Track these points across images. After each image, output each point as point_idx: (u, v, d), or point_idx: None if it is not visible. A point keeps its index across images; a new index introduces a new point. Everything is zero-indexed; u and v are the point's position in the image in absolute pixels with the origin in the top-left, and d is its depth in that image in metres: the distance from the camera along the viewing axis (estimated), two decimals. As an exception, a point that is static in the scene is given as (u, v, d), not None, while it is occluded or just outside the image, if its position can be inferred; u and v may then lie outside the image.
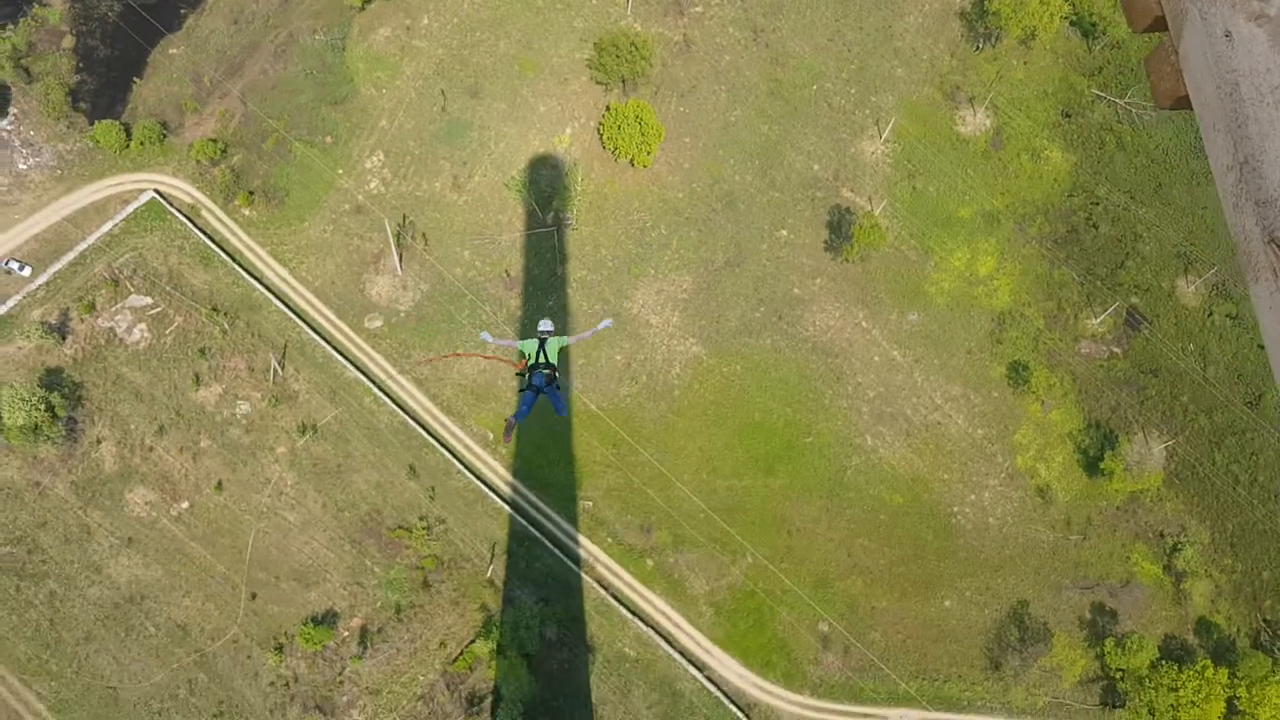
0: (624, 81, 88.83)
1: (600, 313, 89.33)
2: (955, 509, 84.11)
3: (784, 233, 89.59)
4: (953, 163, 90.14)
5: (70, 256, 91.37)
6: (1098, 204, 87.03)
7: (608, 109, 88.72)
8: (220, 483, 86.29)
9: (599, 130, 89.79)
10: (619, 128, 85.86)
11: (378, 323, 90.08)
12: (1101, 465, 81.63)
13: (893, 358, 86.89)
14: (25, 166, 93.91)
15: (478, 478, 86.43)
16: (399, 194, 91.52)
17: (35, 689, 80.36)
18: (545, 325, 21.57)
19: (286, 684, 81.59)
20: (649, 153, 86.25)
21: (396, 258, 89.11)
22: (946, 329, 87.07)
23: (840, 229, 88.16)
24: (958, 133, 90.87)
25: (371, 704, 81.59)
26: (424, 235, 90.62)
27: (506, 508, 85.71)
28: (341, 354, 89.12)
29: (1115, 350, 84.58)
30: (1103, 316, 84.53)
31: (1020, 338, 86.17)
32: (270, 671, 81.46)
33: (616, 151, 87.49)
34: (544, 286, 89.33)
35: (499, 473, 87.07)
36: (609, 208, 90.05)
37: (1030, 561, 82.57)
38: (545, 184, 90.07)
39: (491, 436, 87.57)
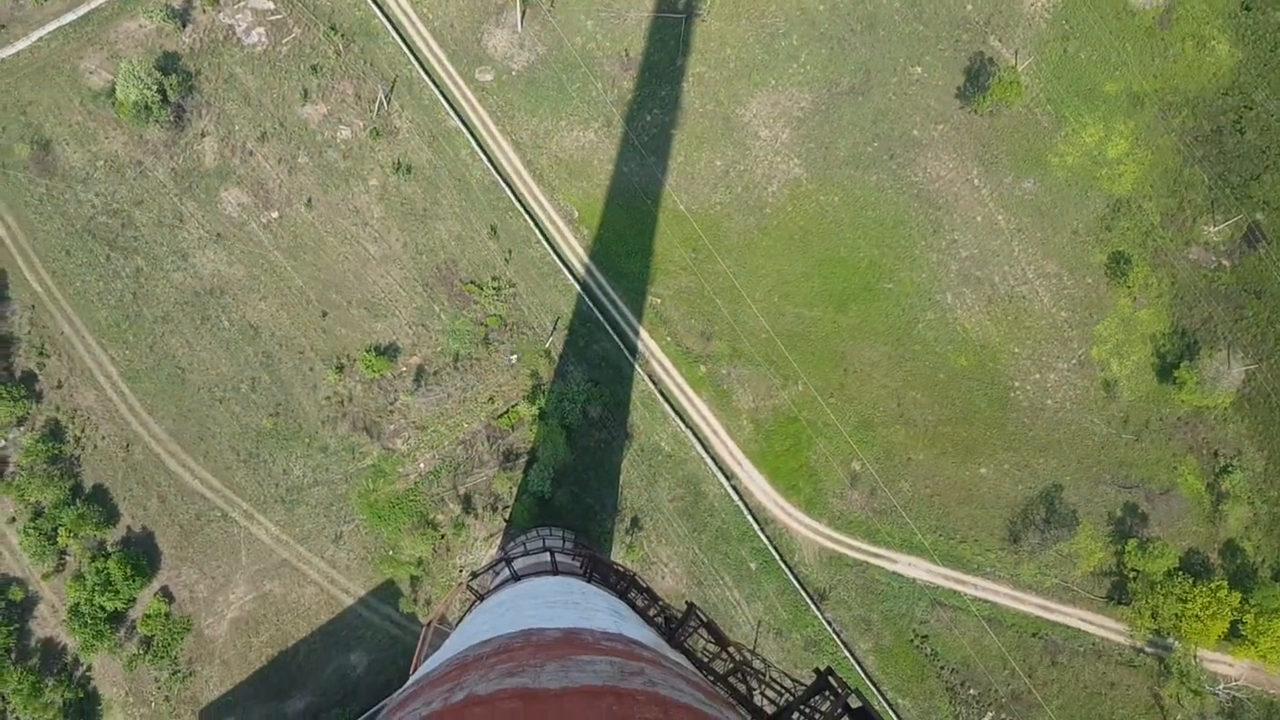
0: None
1: (711, 113, 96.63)
2: (1016, 384, 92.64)
3: (918, 70, 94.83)
4: (1113, 33, 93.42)
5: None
6: (1251, 108, 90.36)
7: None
8: (310, 200, 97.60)
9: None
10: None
11: (488, 76, 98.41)
12: (1176, 373, 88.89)
13: (995, 221, 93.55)
14: None
15: (555, 251, 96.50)
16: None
17: (110, 353, 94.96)
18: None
19: (341, 402, 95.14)
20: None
21: (520, 13, 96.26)
22: (1058, 204, 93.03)
23: (977, 78, 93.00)
24: (1127, 2, 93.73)
25: (415, 437, 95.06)
26: (553, 1, 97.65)
27: (576, 286, 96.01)
28: (447, 100, 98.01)
29: (1224, 262, 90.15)
30: (1222, 226, 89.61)
31: (1131, 229, 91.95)
32: (328, 387, 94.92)
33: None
34: (660, 74, 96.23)
35: (576, 252, 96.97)
36: (745, 5, 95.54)
37: (1077, 449, 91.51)
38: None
39: (577, 214, 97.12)
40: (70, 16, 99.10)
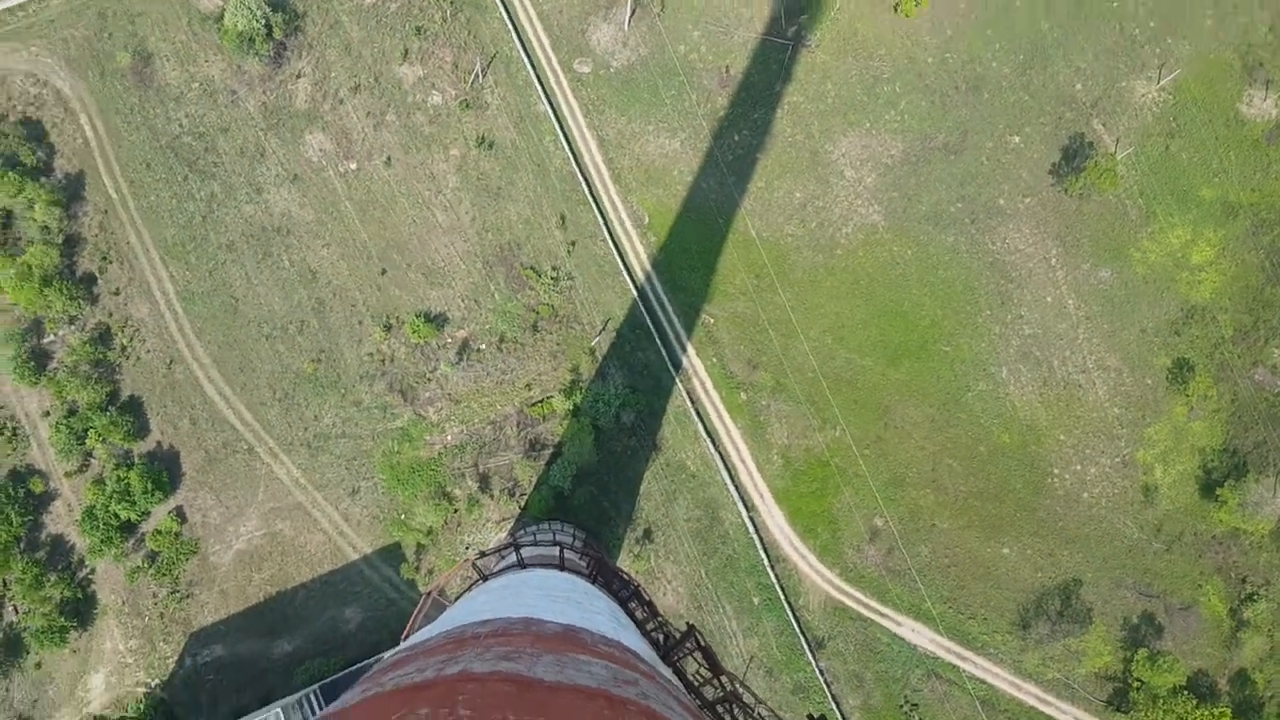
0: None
1: (800, 144, 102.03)
2: (1056, 471, 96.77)
3: (1016, 139, 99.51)
4: (1219, 139, 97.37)
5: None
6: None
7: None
8: (390, 159, 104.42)
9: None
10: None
11: (586, 68, 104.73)
12: (1218, 491, 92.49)
13: (1065, 304, 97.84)
14: None
15: (619, 252, 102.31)
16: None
17: (171, 271, 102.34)
18: None
19: (382, 360, 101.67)
20: (918, 4, 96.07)
21: (629, 12, 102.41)
22: (1132, 299, 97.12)
23: (1074, 158, 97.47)
24: (1238, 110, 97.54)
25: (448, 409, 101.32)
26: (665, 2, 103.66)
27: (633, 291, 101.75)
28: (542, 85, 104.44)
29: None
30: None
31: (1200, 338, 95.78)
32: (373, 344, 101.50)
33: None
34: (756, 97, 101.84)
35: (640, 256, 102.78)
36: (854, 44, 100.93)
37: (1104, 548, 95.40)
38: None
39: (647, 219, 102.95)
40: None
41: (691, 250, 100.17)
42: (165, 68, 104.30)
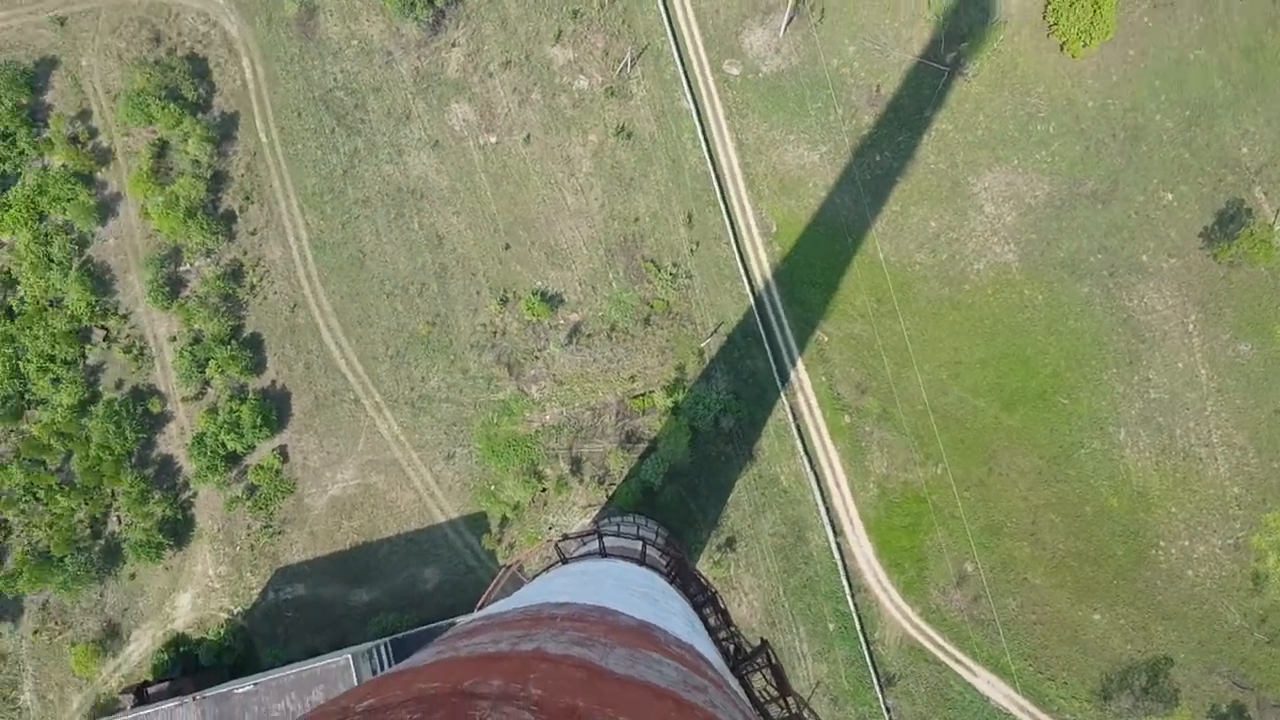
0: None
1: (942, 173, 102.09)
2: (1162, 543, 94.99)
3: (1169, 196, 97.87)
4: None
5: None
6: None
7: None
8: (529, 137, 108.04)
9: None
10: (1071, 6, 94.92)
11: (735, 70, 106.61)
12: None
13: (1197, 373, 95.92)
14: None
15: (741, 257, 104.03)
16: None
17: (307, 218, 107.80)
18: None
19: (494, 333, 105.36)
20: (1085, 45, 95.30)
21: (786, 18, 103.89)
22: (1269, 378, 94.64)
23: (1228, 224, 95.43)
24: None
25: (551, 389, 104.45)
26: (823, 10, 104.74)
27: (751, 298, 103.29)
28: (688, 81, 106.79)
29: None
30: None
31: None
32: (488, 315, 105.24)
33: (1054, 27, 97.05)
34: (904, 119, 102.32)
35: (762, 264, 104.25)
36: (1013, 78, 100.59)
37: (1201, 630, 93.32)
38: (965, 22, 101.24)
39: (775, 228, 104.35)
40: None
41: (815, 265, 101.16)
42: (328, 22, 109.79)
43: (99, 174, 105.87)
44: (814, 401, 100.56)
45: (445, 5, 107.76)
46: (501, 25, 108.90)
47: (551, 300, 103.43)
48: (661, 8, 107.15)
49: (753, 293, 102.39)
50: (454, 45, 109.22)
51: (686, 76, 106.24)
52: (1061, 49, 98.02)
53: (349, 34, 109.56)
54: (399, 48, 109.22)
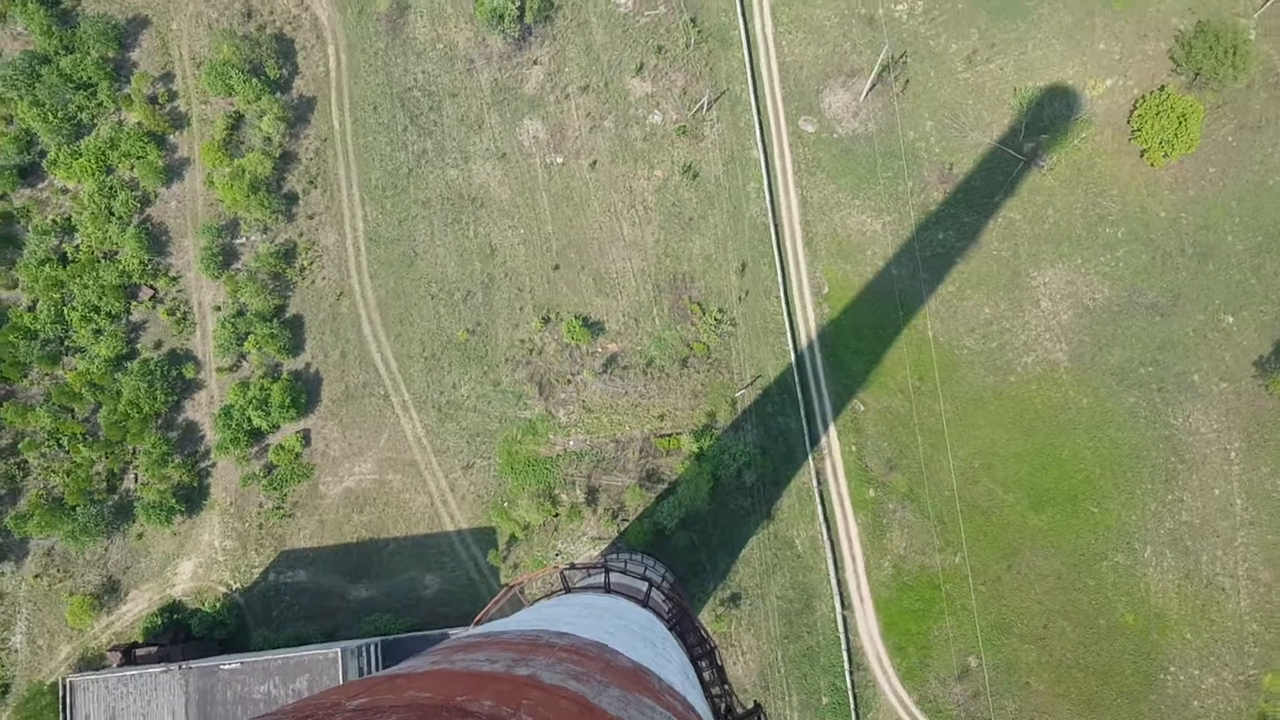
0: (1197, 75, 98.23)
1: (1003, 261, 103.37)
2: (1172, 669, 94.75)
3: (1230, 319, 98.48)
4: None
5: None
6: None
7: (1160, 89, 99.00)
8: (596, 163, 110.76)
9: (1136, 102, 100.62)
10: (1157, 114, 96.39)
11: (811, 128, 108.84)
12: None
13: (1232, 503, 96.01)
14: None
15: (789, 314, 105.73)
16: (913, 31, 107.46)
17: (366, 210, 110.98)
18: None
19: (531, 350, 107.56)
20: (1166, 156, 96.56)
21: (869, 84, 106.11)
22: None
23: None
24: None
25: (578, 415, 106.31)
26: (906, 81, 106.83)
27: (792, 355, 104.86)
28: (762, 131, 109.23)
29: None
30: None
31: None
32: (528, 331, 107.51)
33: (1137, 133, 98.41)
34: (972, 202, 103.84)
35: (809, 324, 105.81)
36: (1088, 177, 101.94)
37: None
38: (1047, 115, 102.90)
39: (827, 289, 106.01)
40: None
41: (863, 333, 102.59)
42: (418, 22, 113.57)
43: (172, 137, 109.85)
44: (841, 470, 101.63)
45: (534, 23, 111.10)
46: (586, 50, 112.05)
47: (593, 327, 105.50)
48: (746, 56, 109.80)
49: (795, 351, 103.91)
50: (536, 63, 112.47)
51: (761, 126, 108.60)
52: (1141, 156, 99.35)
53: (436, 37, 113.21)
54: (482, 57, 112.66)
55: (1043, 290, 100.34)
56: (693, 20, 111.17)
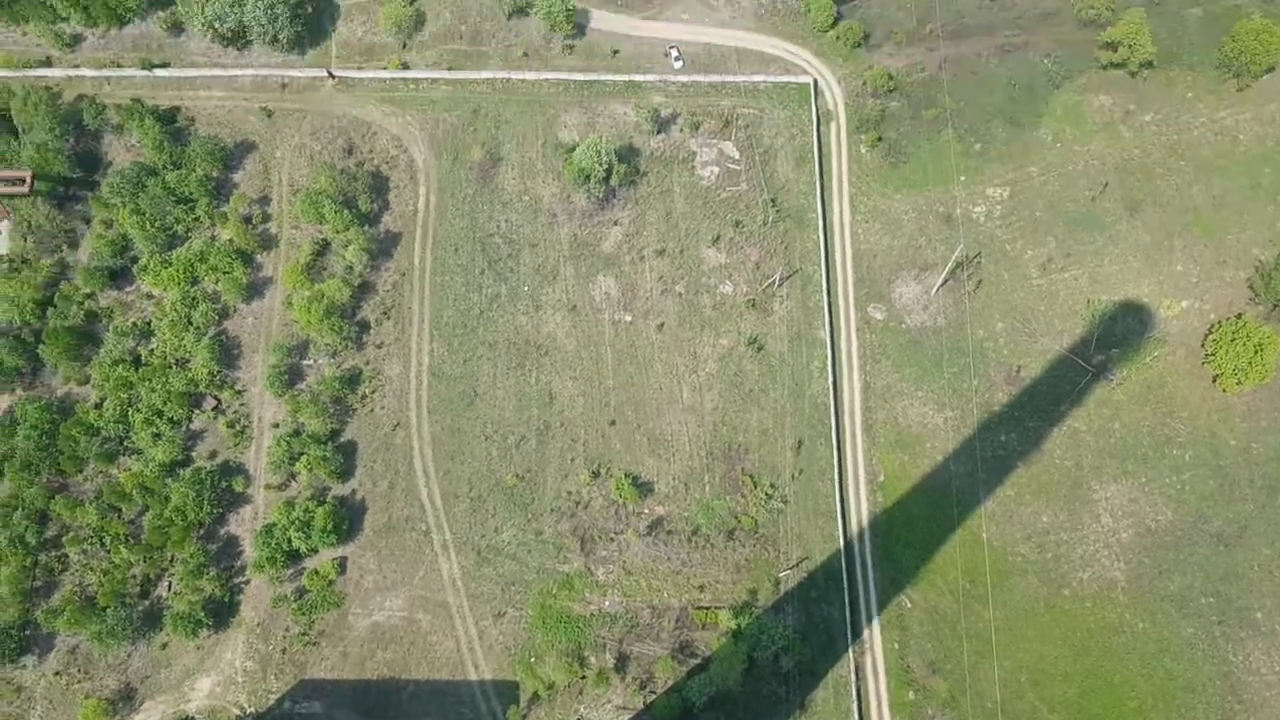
0: (1275, 306, 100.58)
1: (1065, 470, 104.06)
2: None
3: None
4: None
5: (715, 78, 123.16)
6: None
7: (1237, 317, 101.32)
8: (663, 325, 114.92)
9: (1211, 327, 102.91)
10: (1232, 341, 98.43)
11: (880, 315, 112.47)
12: None
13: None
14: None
15: (841, 499, 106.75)
16: (990, 233, 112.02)
17: (433, 346, 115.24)
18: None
19: (576, 503, 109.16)
20: (1239, 383, 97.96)
21: (941, 279, 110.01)
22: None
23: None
24: None
25: (618, 576, 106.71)
26: (979, 282, 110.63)
27: (841, 541, 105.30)
28: (831, 314, 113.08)
29: None
30: None
31: None
32: (576, 484, 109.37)
33: (1211, 358, 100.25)
34: (1038, 407, 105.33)
35: (861, 511, 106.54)
36: (1159, 395, 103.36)
37: None
38: (1120, 330, 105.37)
39: (882, 478, 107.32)
40: (579, 76, 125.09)
41: (915, 527, 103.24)
42: (508, 174, 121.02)
43: (259, 256, 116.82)
44: (881, 667, 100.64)
45: (619, 185, 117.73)
46: (665, 216, 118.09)
47: (642, 487, 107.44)
48: (821, 239, 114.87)
49: (845, 537, 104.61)
50: (616, 223, 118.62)
51: (830, 309, 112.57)
52: (1214, 381, 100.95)
53: (523, 189, 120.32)
54: (565, 213, 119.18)
55: (1104, 505, 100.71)
56: (773, 200, 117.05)
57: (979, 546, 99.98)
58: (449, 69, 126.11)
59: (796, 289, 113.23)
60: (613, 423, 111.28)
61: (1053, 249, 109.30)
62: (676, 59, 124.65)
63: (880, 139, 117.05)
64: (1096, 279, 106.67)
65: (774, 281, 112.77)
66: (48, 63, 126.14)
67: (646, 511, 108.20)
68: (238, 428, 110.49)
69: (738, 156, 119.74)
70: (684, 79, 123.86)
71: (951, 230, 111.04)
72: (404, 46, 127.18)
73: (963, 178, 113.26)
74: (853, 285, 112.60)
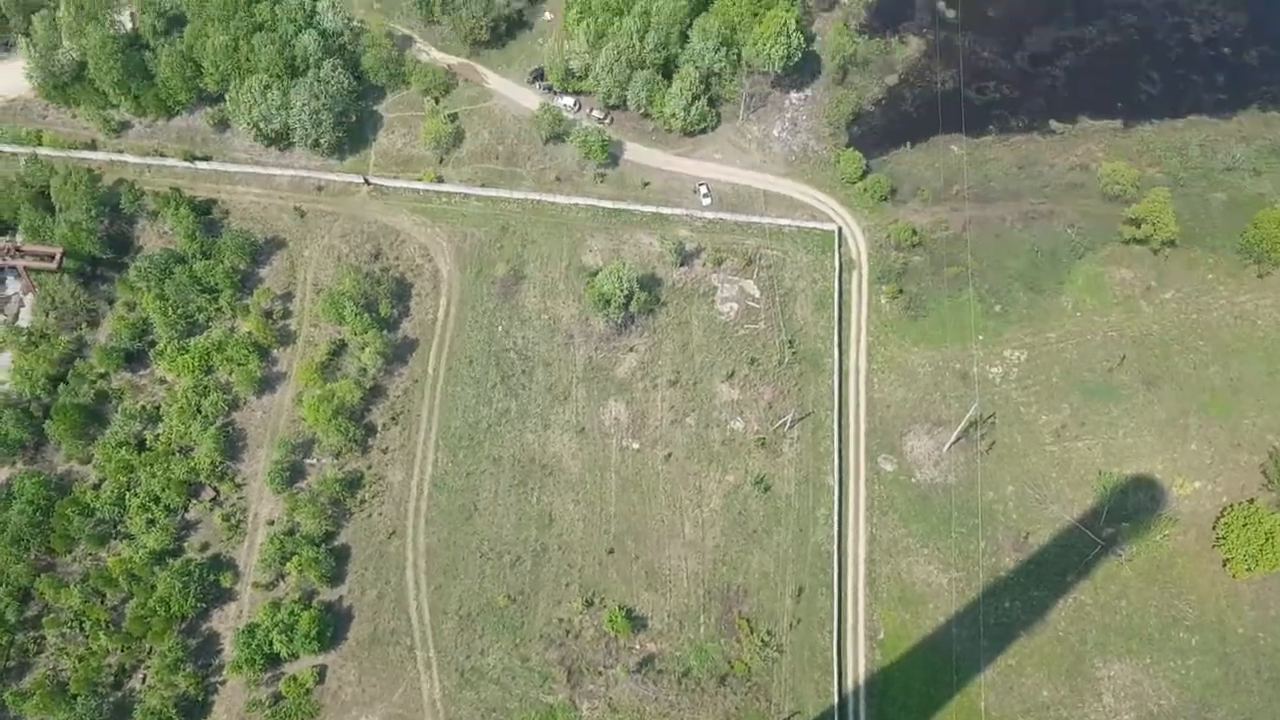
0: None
1: (1069, 645, 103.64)
2: None
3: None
4: None
5: (742, 217, 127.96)
6: None
7: (1250, 502, 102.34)
8: (670, 455, 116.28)
9: (1223, 510, 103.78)
10: (1244, 526, 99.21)
11: (890, 467, 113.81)
12: None
13: None
14: (778, 135, 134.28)
15: (838, 653, 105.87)
16: (1005, 394, 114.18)
17: (437, 456, 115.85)
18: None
19: (568, 631, 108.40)
20: (1249, 570, 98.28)
21: (954, 437, 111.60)
22: None
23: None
24: None
25: (602, 712, 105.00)
26: (992, 442, 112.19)
27: (835, 699, 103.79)
28: (840, 461, 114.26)
29: None
30: None
31: None
32: (568, 611, 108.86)
33: (1221, 541, 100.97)
34: (1043, 576, 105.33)
35: (858, 667, 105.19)
36: (1167, 575, 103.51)
37: None
38: (1131, 504, 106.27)
39: (882, 635, 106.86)
40: (609, 203, 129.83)
41: (913, 690, 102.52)
42: (529, 291, 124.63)
43: (276, 351, 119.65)
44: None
45: (638, 313, 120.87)
46: (681, 348, 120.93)
47: (636, 621, 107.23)
48: (836, 385, 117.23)
49: (840, 693, 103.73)
50: (632, 350, 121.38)
51: (840, 455, 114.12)
52: (1224, 565, 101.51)
53: (542, 308, 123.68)
54: (582, 334, 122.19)
55: (1106, 684, 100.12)
56: (790, 341, 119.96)
57: (976, 716, 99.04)
58: (482, 185, 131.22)
59: (808, 432, 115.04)
60: (611, 551, 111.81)
61: (1067, 416, 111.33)
62: (705, 196, 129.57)
63: (901, 291, 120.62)
64: (1110, 450, 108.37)
65: (785, 422, 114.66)
66: (93, 145, 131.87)
67: (638, 647, 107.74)
68: (233, 521, 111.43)
69: (758, 295, 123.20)
70: (711, 215, 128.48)
71: (967, 388, 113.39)
72: (441, 161, 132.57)
73: (981, 337, 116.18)
74: (865, 434, 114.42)
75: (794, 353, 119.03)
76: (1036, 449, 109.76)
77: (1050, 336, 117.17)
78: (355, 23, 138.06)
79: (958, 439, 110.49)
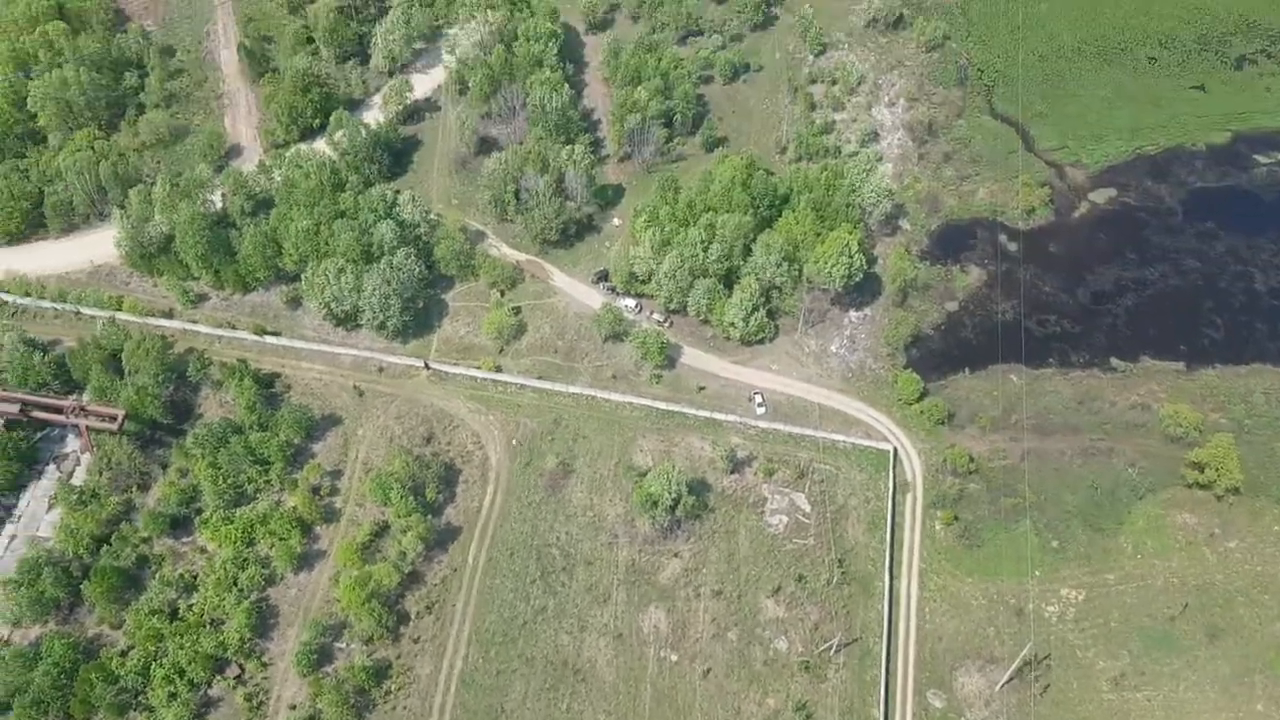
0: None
1: None
2: None
3: None
4: None
5: (796, 429, 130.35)
6: None
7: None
8: (709, 671, 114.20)
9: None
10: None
11: (939, 703, 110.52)
12: None
13: None
14: (835, 350, 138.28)
15: None
16: (1061, 635, 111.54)
17: (468, 651, 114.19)
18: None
19: None
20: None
21: (1006, 676, 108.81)
22: None
23: None
24: None
25: None
26: (1047, 685, 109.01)
27: None
28: (887, 692, 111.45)
29: None
30: None
31: None
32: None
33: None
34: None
35: None
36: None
37: None
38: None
39: None
40: (662, 404, 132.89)
41: None
42: (577, 487, 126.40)
43: (319, 528, 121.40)
44: None
45: (684, 518, 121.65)
46: (727, 558, 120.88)
47: None
48: (886, 611, 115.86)
49: None
50: (676, 555, 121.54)
51: (887, 687, 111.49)
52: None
53: (589, 504, 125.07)
54: (627, 535, 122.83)
55: None
56: (840, 561, 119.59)
57: None
58: (539, 378, 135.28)
59: (854, 658, 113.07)
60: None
61: (1126, 664, 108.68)
62: (760, 405, 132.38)
63: (956, 518, 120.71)
64: (1171, 705, 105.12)
65: (831, 646, 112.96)
66: (169, 314, 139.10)
67: None
68: (254, 702, 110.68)
69: (809, 510, 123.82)
70: (765, 425, 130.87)
71: (1022, 625, 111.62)
72: (500, 351, 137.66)
73: (1038, 573, 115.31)
74: (914, 665, 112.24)
75: (843, 573, 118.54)
76: (1093, 696, 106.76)
77: (1109, 578, 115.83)
78: (432, 215, 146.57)
79: (1010, 679, 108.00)
